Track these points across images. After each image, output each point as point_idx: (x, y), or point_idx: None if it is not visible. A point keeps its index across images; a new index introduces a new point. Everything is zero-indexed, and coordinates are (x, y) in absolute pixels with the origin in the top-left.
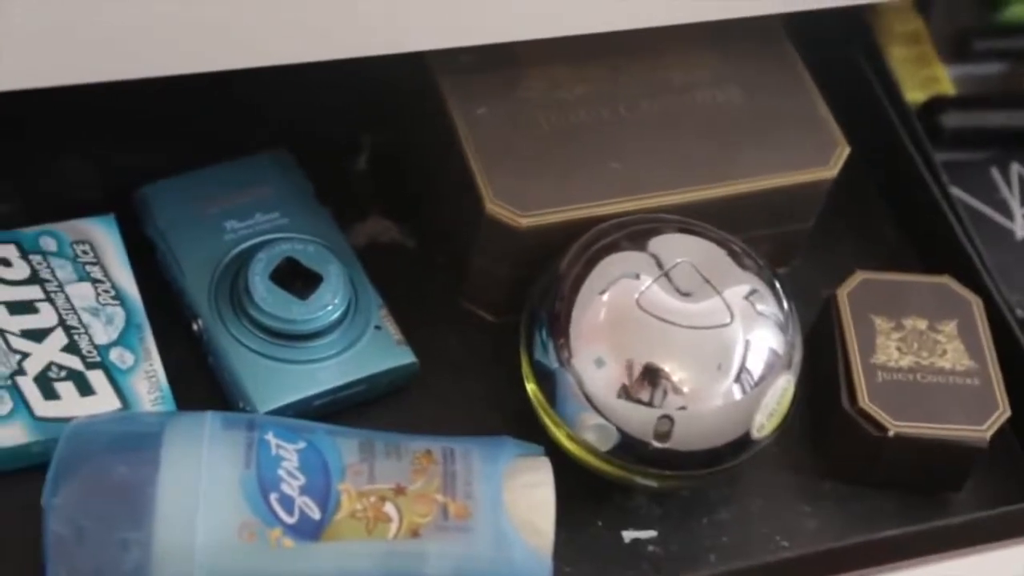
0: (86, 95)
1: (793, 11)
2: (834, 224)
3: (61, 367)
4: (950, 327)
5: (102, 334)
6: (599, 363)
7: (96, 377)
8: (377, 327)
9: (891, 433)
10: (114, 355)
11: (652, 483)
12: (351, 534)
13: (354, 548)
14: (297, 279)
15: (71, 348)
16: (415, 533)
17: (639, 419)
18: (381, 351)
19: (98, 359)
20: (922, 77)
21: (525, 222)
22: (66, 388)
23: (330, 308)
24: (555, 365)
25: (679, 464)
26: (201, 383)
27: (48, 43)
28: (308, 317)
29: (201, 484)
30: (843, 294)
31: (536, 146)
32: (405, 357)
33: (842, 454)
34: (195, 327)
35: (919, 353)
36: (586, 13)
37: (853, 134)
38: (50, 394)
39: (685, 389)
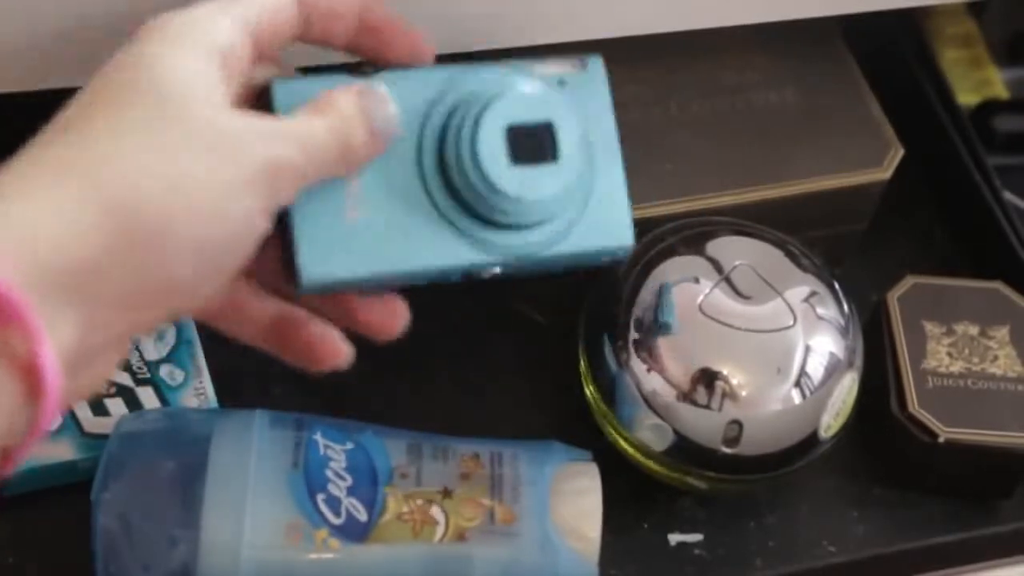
0: None
1: (846, 13)
2: (885, 227)
3: (111, 383)
4: (1002, 333)
5: (152, 350)
6: (660, 366)
7: (145, 393)
8: None
9: (941, 439)
10: (164, 371)
11: (703, 485)
12: (397, 536)
13: (400, 551)
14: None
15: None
16: (461, 537)
17: (706, 424)
18: None
19: (148, 375)
20: (975, 80)
21: None
22: (115, 404)
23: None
24: (615, 368)
25: (745, 468)
26: (249, 400)
27: None
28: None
29: (249, 483)
30: (893, 298)
31: None
32: None
33: (891, 460)
34: None
35: (970, 359)
36: (639, 14)
37: (905, 137)
38: (99, 410)
39: (744, 393)
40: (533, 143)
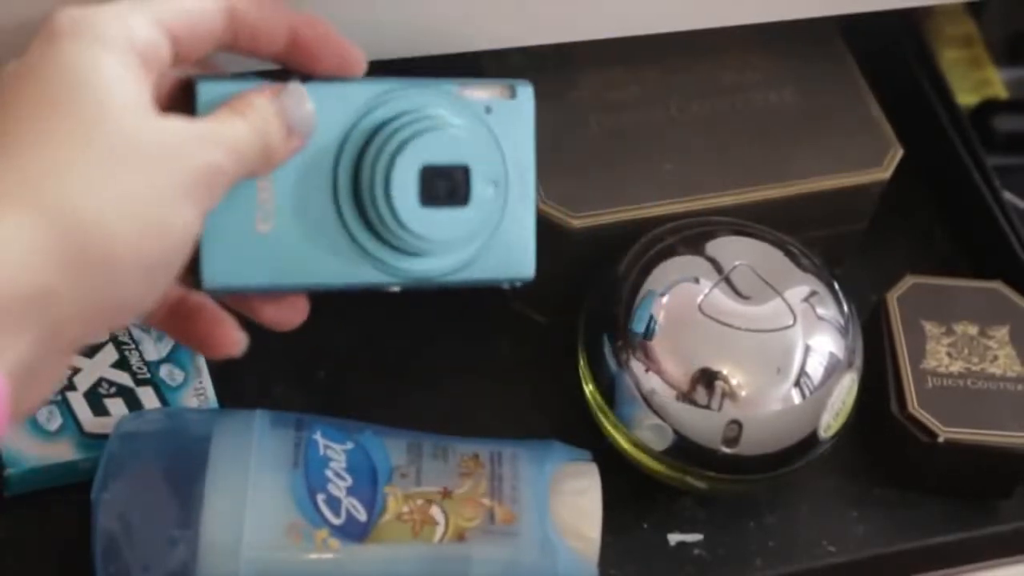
0: None
1: (845, 13)
2: (884, 227)
3: (111, 383)
4: (1001, 333)
5: (152, 350)
6: (659, 366)
7: (145, 393)
8: None
9: (941, 439)
10: (164, 372)
11: (703, 485)
12: (397, 536)
13: (400, 551)
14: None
15: (121, 364)
16: (461, 537)
17: (705, 424)
18: None
19: (148, 375)
20: (974, 80)
21: (577, 223)
22: (115, 404)
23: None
24: (614, 368)
25: (745, 468)
26: (249, 400)
27: None
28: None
29: (249, 483)
30: (893, 298)
31: (588, 147)
32: None
33: (891, 460)
34: None
35: (969, 359)
36: (639, 15)
37: (904, 137)
38: (100, 410)
39: (743, 393)
40: (446, 185)
